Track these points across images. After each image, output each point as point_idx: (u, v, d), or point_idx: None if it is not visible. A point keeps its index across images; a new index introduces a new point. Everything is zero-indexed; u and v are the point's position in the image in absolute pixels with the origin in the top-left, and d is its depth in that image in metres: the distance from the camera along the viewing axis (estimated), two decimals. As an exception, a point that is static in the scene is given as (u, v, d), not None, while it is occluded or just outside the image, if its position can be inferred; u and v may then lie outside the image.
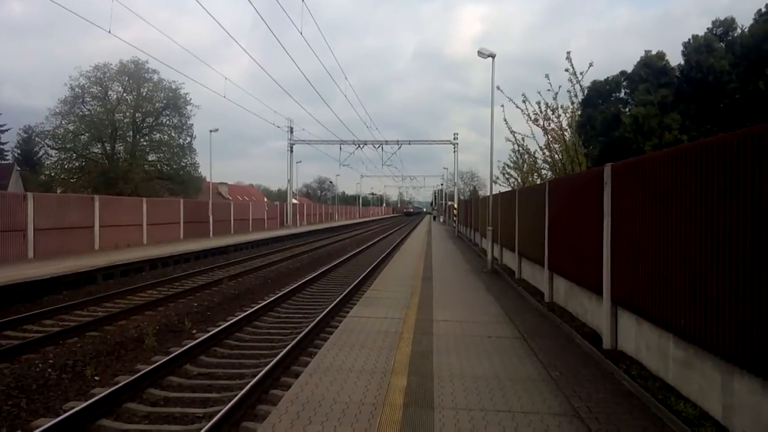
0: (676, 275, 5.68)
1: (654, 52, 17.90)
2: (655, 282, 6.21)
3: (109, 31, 20.69)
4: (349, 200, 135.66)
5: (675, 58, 17.89)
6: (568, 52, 21.08)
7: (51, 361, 8.35)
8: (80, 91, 44.93)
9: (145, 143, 48.79)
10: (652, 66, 17.45)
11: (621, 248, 7.39)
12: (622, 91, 18.69)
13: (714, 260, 4.93)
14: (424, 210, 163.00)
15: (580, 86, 21.38)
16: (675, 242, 5.72)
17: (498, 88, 20.34)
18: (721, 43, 16.80)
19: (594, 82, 19.41)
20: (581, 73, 21.41)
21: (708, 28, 17.41)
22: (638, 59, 18.17)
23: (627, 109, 17.88)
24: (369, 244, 34.46)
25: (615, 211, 7.65)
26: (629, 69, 18.54)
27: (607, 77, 18.92)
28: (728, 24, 17.04)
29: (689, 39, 17.03)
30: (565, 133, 23.46)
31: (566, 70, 21.42)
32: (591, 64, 22.70)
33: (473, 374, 6.45)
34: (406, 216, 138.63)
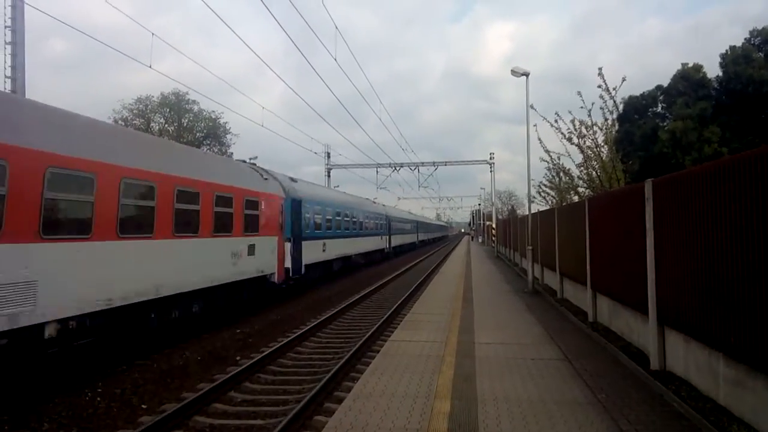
0: (724, 293, 5.55)
1: (690, 65, 17.69)
2: (703, 300, 6.07)
3: (150, 66, 21.32)
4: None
5: (712, 70, 17.64)
6: (600, 68, 20.86)
7: (100, 390, 8.56)
8: (123, 123, 46.48)
9: (186, 173, 49.96)
10: (689, 79, 17.23)
11: (666, 266, 7.26)
12: (659, 105, 18.48)
13: (763, 276, 4.81)
14: (462, 231, 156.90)
15: (614, 102, 21.17)
16: (722, 259, 5.60)
17: (532, 106, 20.24)
18: (760, 53, 16.52)
19: (630, 98, 19.24)
20: (614, 89, 21.17)
21: (745, 39, 17.16)
22: (673, 72, 18.03)
23: (665, 124, 17.66)
24: (408, 266, 34.40)
25: (658, 228, 7.53)
26: (662, 82, 18.42)
27: (643, 92, 18.76)
28: (766, 33, 16.75)
29: (727, 50, 16.80)
30: (602, 150, 23.17)
31: (599, 86, 21.21)
32: (624, 79, 22.45)
33: (518, 398, 6.37)
34: None
